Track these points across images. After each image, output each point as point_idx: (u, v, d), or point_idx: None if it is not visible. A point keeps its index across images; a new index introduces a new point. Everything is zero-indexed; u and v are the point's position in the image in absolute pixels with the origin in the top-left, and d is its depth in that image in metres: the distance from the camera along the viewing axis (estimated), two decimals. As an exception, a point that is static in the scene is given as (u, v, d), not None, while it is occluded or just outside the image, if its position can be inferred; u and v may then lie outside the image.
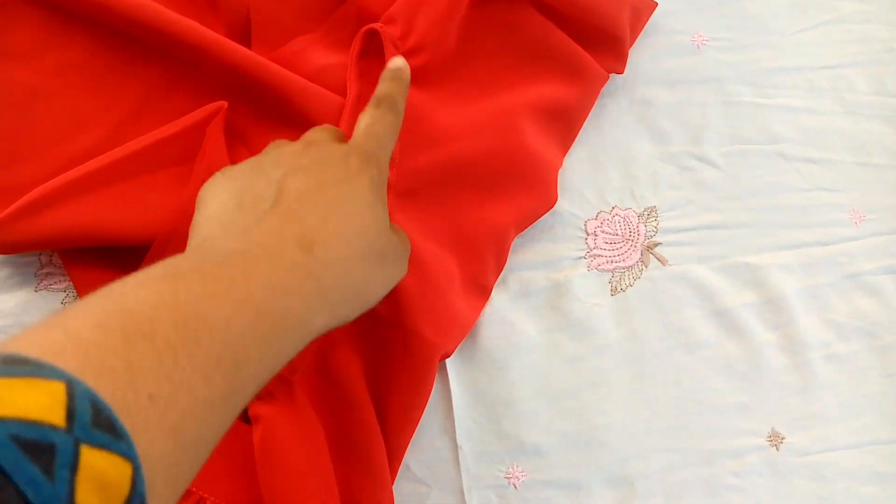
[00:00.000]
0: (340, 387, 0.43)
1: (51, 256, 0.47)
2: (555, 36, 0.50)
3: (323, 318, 0.32)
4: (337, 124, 0.47)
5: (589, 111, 0.52)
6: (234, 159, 0.46)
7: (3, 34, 0.48)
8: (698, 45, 0.55)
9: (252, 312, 0.28)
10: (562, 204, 0.51)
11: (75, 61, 0.48)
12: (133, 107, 0.48)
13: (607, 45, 0.51)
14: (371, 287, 0.35)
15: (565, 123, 0.51)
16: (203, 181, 0.43)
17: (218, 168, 0.44)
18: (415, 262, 0.45)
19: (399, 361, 0.44)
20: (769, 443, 0.48)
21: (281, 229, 0.32)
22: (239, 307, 0.27)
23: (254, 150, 0.48)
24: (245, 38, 0.50)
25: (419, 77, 0.48)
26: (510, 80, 0.50)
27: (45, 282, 0.46)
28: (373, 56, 0.48)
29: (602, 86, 0.52)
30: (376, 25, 0.47)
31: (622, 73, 0.53)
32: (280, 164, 0.36)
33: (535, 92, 0.50)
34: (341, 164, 0.35)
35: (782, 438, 0.48)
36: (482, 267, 0.47)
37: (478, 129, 0.48)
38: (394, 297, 0.44)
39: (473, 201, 0.48)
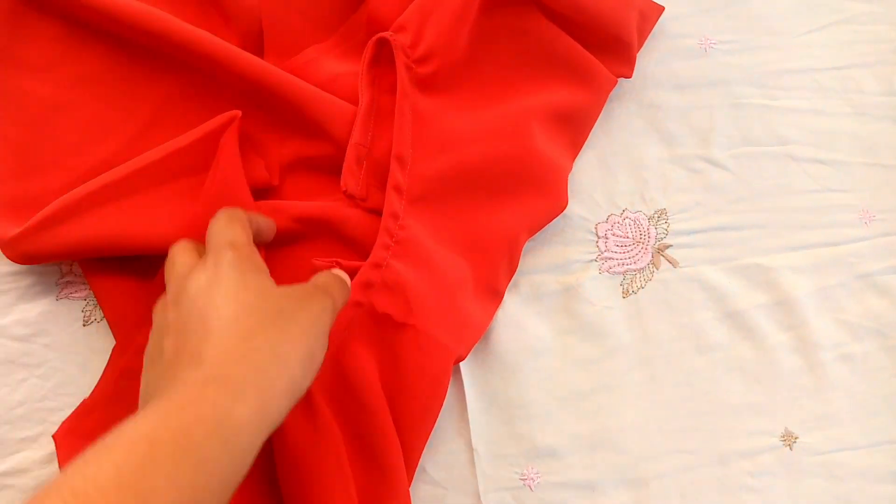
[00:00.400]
0: (357, 392, 0.43)
1: (71, 265, 0.48)
2: (563, 41, 0.51)
3: (246, 407, 0.30)
4: (349, 131, 0.47)
5: (597, 115, 0.52)
6: (247, 168, 0.46)
7: (20, 48, 0.49)
8: (705, 48, 0.56)
9: (145, 443, 0.28)
10: (572, 207, 0.51)
11: (91, 73, 0.49)
12: (149, 117, 0.49)
13: (616, 50, 0.52)
14: (290, 343, 0.34)
15: (574, 128, 0.52)
16: (216, 191, 0.44)
17: (232, 178, 0.45)
18: (427, 267, 0.46)
19: (414, 365, 0.44)
20: (783, 442, 0.48)
21: (172, 369, 0.33)
22: (131, 446, 0.28)
23: (268, 158, 0.48)
24: (258, 48, 0.51)
25: (429, 84, 0.48)
26: (519, 86, 0.50)
27: (65, 290, 0.47)
28: (383, 64, 0.49)
29: (610, 90, 0.52)
30: (386, 34, 0.48)
31: (630, 77, 0.53)
32: (157, 332, 0.37)
33: (545, 97, 0.50)
34: (199, 276, 0.35)
35: (796, 438, 0.48)
36: (494, 271, 0.48)
37: (488, 135, 0.48)
38: (406, 302, 0.44)
39: (485, 206, 0.48)
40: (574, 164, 0.52)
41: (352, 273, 0.45)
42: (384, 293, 0.44)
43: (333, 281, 0.40)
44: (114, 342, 0.46)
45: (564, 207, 0.50)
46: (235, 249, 0.36)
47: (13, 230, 0.44)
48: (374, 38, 0.48)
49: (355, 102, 0.48)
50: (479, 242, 0.47)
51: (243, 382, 0.31)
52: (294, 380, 0.33)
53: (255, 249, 0.38)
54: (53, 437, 0.43)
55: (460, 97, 0.50)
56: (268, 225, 0.44)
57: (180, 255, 0.38)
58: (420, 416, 0.44)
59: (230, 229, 0.38)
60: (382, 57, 0.49)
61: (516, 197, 0.49)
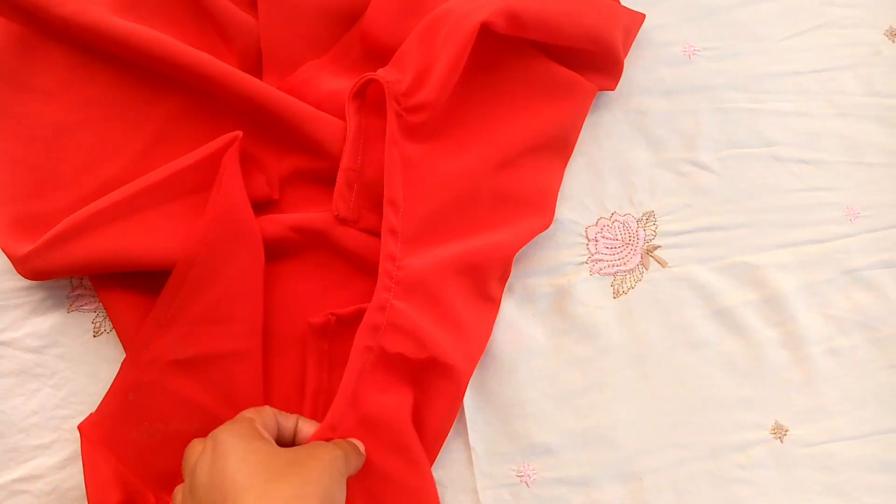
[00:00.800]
0: (386, 433, 0.45)
1: (81, 279, 0.50)
2: (536, 64, 0.52)
3: None
4: (342, 148, 0.49)
5: (581, 124, 0.54)
6: (248, 183, 0.48)
7: (30, 73, 0.52)
8: (689, 56, 0.57)
9: None
10: (563, 212, 0.53)
11: (98, 95, 0.51)
12: (153, 136, 0.51)
13: (603, 66, 0.54)
14: (308, 486, 0.35)
15: (560, 143, 0.53)
16: (220, 207, 0.46)
17: (235, 195, 0.46)
18: (429, 300, 0.47)
19: (437, 394, 0.46)
20: (773, 435, 0.49)
21: None
22: None
23: (268, 173, 0.50)
24: (257, 66, 0.53)
25: (418, 133, 0.49)
26: (501, 118, 0.52)
27: (76, 303, 0.49)
28: (370, 92, 0.50)
29: (592, 99, 0.54)
30: (379, 77, 0.48)
31: (613, 90, 0.55)
32: None
33: (528, 123, 0.51)
34: (204, 459, 0.37)
35: (786, 431, 0.49)
36: (489, 282, 0.49)
37: (476, 171, 0.50)
38: (416, 339, 0.46)
39: (478, 233, 0.49)
40: (565, 171, 0.54)
41: (348, 314, 0.47)
42: (392, 334, 0.46)
43: (345, 443, 0.42)
44: (123, 352, 0.48)
45: (549, 225, 0.51)
46: (229, 426, 0.38)
47: (25, 247, 0.46)
48: (365, 77, 0.49)
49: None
50: (474, 262, 0.48)
51: None
52: None
53: (253, 422, 0.39)
54: (79, 427, 0.45)
55: (447, 142, 0.51)
56: (299, 423, 0.43)
57: (190, 448, 0.39)
58: (436, 438, 0.46)
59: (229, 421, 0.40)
60: (370, 87, 0.50)
61: (507, 221, 0.50)
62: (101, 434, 0.45)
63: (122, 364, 0.46)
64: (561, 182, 0.53)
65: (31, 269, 0.46)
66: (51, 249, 0.45)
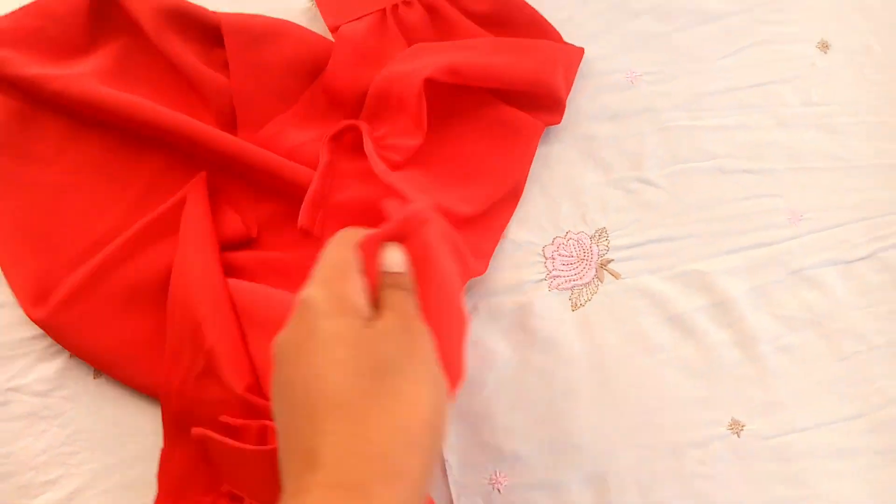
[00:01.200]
0: None
1: (80, 327, 0.54)
2: (487, 108, 0.57)
3: (378, 487, 0.28)
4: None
5: (531, 161, 0.58)
6: (226, 223, 0.54)
7: (27, 143, 0.57)
8: (632, 81, 0.61)
9: None
10: (521, 234, 0.57)
11: (89, 159, 0.57)
12: (141, 192, 0.56)
13: (546, 104, 0.58)
14: (406, 407, 0.30)
15: (513, 187, 0.57)
16: (188, 239, 0.52)
17: (200, 227, 0.52)
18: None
19: None
20: (730, 431, 0.52)
21: (289, 461, 0.30)
22: None
23: (245, 215, 0.55)
24: (232, 122, 0.58)
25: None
26: (453, 156, 0.56)
27: (77, 349, 0.54)
28: (344, 135, 0.56)
29: (539, 136, 0.58)
30: (359, 124, 0.54)
31: (559, 123, 0.59)
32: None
33: (480, 162, 0.56)
34: (286, 339, 0.32)
35: (743, 426, 0.52)
36: None
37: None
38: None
39: None
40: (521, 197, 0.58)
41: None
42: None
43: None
44: (121, 390, 0.52)
45: (483, 272, 0.55)
46: (319, 301, 0.31)
47: (40, 310, 0.52)
48: (346, 123, 0.55)
49: (315, 167, 0.55)
50: None
51: (371, 482, 0.28)
52: (423, 448, 0.30)
53: (340, 295, 0.32)
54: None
55: (402, 176, 0.55)
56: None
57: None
58: None
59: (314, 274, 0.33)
60: (347, 134, 0.55)
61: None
62: (179, 470, 0.49)
63: (161, 405, 0.50)
64: (506, 224, 0.57)
65: (52, 333, 0.52)
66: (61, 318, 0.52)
